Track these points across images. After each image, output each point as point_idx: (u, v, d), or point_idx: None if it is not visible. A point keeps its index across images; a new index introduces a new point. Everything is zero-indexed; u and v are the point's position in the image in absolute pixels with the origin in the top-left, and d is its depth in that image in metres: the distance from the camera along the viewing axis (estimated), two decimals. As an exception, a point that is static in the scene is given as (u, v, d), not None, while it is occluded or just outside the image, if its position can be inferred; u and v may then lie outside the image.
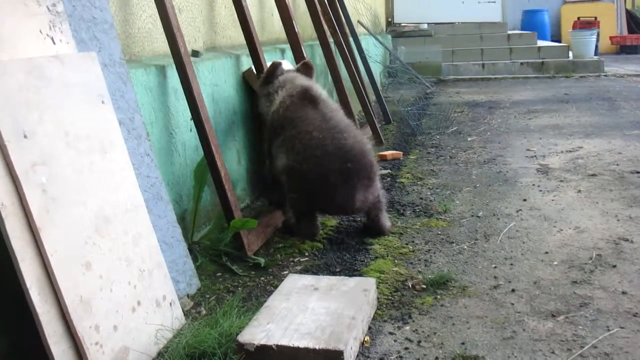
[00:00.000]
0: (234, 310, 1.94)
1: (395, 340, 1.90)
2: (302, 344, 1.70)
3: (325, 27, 4.79)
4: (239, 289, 2.32)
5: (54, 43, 1.80)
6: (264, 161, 3.06)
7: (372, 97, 6.09)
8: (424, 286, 2.27)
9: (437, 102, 6.99)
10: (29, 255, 1.52)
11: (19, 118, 1.57)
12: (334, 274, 2.41)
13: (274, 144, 2.87)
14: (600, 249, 2.55)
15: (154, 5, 2.57)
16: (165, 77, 2.62)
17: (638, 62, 11.20)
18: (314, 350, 1.67)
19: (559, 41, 12.50)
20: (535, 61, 9.80)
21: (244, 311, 1.96)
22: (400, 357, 1.81)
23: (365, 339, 1.89)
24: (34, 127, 1.61)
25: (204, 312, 2.13)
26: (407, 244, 2.71)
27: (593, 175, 3.70)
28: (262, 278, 2.42)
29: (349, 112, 4.30)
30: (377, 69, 7.17)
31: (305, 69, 3.28)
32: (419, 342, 1.88)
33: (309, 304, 1.93)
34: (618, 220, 2.89)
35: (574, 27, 10.83)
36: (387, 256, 2.58)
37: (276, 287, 2.16)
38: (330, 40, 4.87)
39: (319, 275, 2.32)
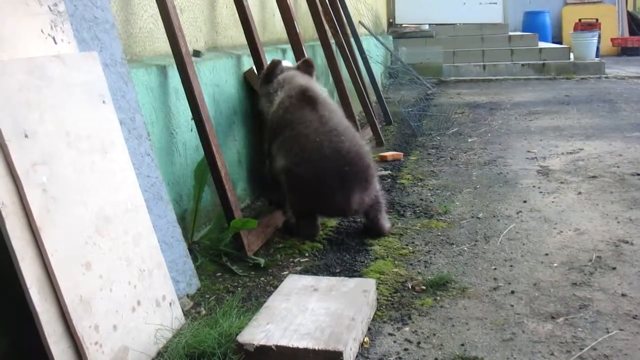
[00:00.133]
0: (234, 311, 1.94)
1: (394, 341, 1.90)
2: (301, 344, 1.70)
3: (327, 27, 4.80)
4: (239, 289, 2.32)
5: (55, 43, 1.80)
6: (264, 161, 3.06)
7: (373, 97, 6.10)
8: (424, 287, 2.27)
9: (437, 103, 6.99)
10: (29, 254, 1.52)
11: (20, 118, 1.57)
12: (333, 274, 2.41)
13: (274, 144, 2.87)
14: (600, 251, 2.55)
15: (155, 5, 2.57)
16: (166, 77, 2.62)
17: (639, 64, 11.19)
18: (314, 350, 1.68)
19: (560, 43, 12.48)
20: (536, 63, 9.79)
21: (244, 311, 1.96)
22: (400, 358, 1.81)
23: (365, 340, 1.89)
24: (34, 127, 1.61)
25: (203, 312, 2.13)
26: (407, 245, 2.72)
27: (593, 177, 3.70)
28: (262, 278, 2.42)
29: (349, 113, 4.31)
30: (378, 70, 7.17)
31: (306, 66, 3.27)
32: (419, 343, 1.88)
33: (308, 305, 1.94)
34: (618, 222, 2.89)
35: (575, 29, 10.83)
36: (387, 257, 2.58)
37: (276, 287, 2.16)
38: (332, 40, 4.88)
39: (318, 275, 2.32)
